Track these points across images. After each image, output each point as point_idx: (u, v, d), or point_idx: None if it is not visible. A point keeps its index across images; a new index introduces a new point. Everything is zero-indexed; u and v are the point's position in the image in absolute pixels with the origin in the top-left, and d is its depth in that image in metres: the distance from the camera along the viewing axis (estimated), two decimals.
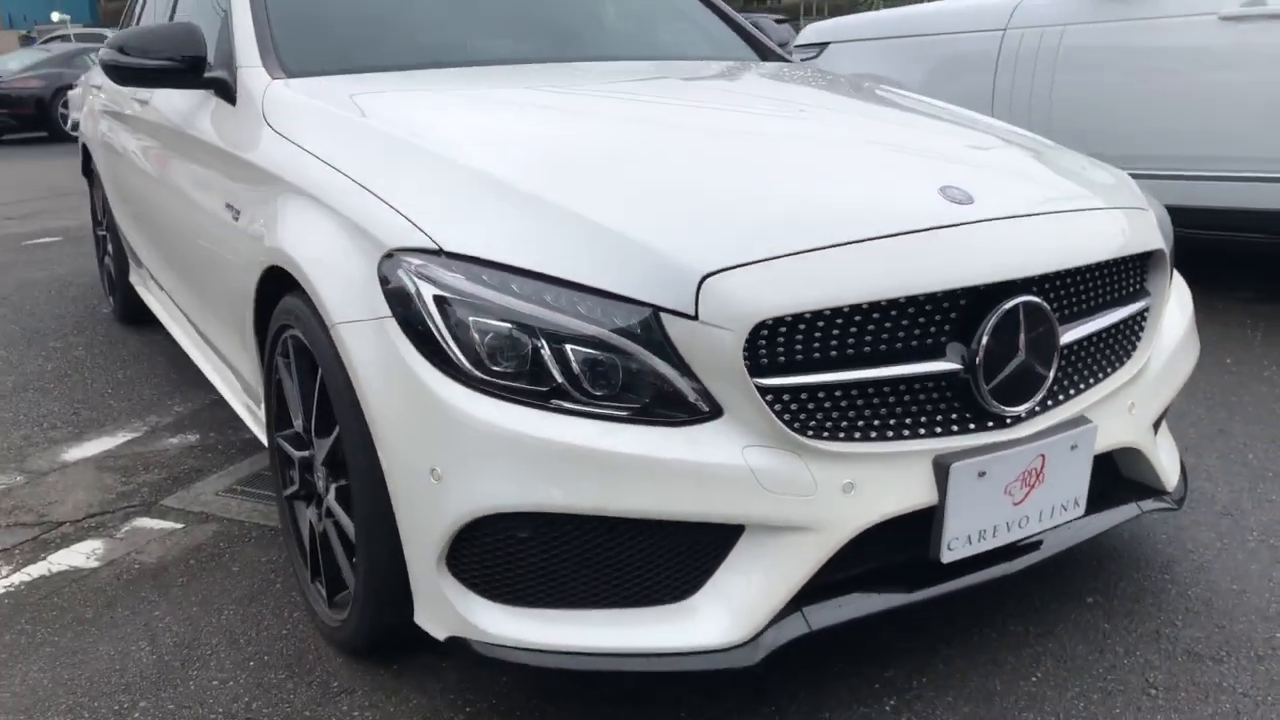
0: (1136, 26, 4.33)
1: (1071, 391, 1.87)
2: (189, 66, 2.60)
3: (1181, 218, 4.31)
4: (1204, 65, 4.14)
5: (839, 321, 1.62)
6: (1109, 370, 1.94)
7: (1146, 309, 2.02)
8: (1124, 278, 1.96)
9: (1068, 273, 1.82)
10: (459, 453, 1.59)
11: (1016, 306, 1.71)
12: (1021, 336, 1.72)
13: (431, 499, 1.62)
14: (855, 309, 1.62)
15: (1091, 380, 1.91)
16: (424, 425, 1.62)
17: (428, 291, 1.64)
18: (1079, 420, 1.84)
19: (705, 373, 1.58)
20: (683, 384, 1.59)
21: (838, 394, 1.64)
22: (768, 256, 1.60)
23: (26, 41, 24.06)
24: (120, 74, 2.61)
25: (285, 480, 2.21)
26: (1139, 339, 2.01)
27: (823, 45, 5.34)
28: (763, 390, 1.58)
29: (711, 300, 1.56)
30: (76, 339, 4.48)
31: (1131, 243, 1.93)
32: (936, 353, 1.70)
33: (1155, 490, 2.11)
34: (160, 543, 2.52)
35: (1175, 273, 2.34)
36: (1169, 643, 2.02)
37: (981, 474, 1.71)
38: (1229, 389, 3.44)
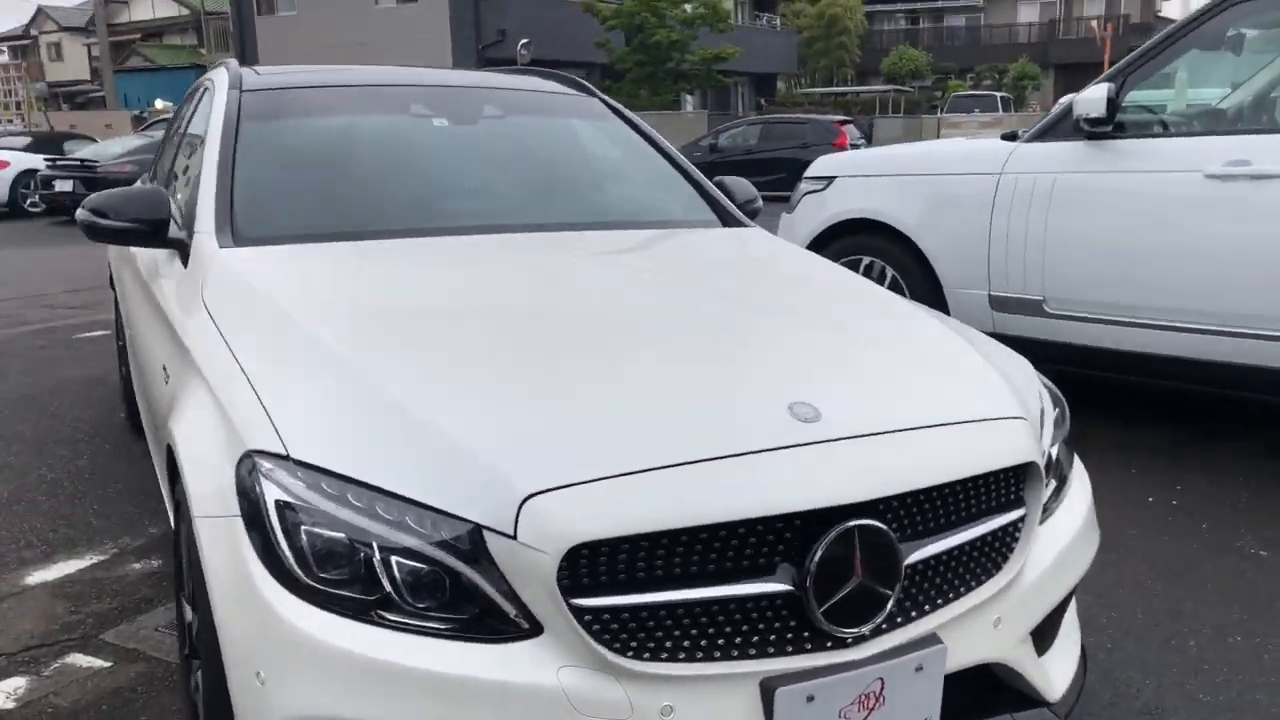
0: (1125, 179, 4.32)
1: (921, 610, 1.86)
2: (152, 229, 2.77)
3: (1173, 368, 4.25)
4: (1190, 220, 4.11)
5: (664, 542, 1.65)
6: (969, 586, 1.93)
7: (1020, 520, 2.01)
8: (989, 491, 1.95)
9: (916, 492, 1.83)
10: (280, 659, 1.65)
11: (851, 530, 1.72)
12: (858, 558, 1.73)
13: (257, 699, 1.68)
14: (682, 531, 1.65)
15: (947, 598, 1.89)
16: (255, 627, 1.68)
17: (271, 495, 1.71)
18: (928, 640, 1.83)
19: (525, 591, 1.62)
20: (503, 601, 1.63)
21: (661, 614, 1.66)
22: (592, 478, 1.64)
23: (139, 123, 25.44)
24: (95, 233, 2.78)
25: (183, 637, 2.29)
26: (1009, 551, 2.00)
27: (830, 179, 5.42)
28: (580, 611, 1.61)
29: (530, 521, 1.60)
30: (85, 446, 4.68)
31: (995, 458, 1.93)
32: (767, 572, 1.72)
33: (1036, 701, 2.07)
34: (81, 684, 2.61)
35: (1073, 461, 2.32)
36: None
37: (810, 698, 1.71)
38: (1195, 560, 3.35)
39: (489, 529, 1.62)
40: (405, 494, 1.66)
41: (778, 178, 14.75)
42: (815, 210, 5.40)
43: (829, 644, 1.76)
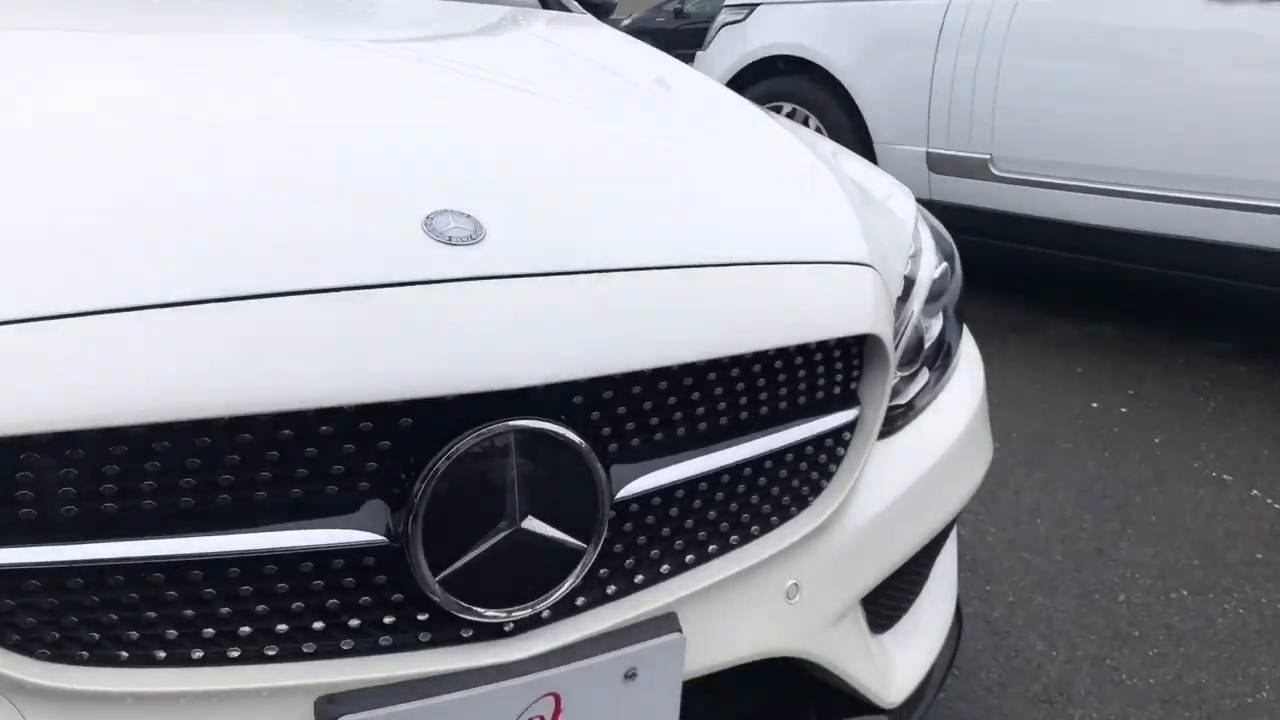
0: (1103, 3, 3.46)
1: (652, 575, 1.10)
2: None
3: (1152, 249, 3.48)
4: (1185, 56, 3.28)
5: (128, 448, 0.86)
6: (747, 533, 1.16)
7: (847, 429, 1.23)
8: (790, 380, 1.18)
9: (640, 377, 1.04)
10: None
11: (504, 438, 0.95)
12: (515, 489, 0.96)
13: None
14: (164, 429, 0.87)
15: (700, 554, 1.13)
16: None
17: None
18: (655, 626, 1.07)
19: None
20: None
21: (119, 580, 0.89)
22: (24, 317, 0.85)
23: None
24: None
25: None
26: (824, 477, 1.23)
27: (751, 6, 4.51)
28: None
29: None
30: None
31: (799, 324, 1.14)
32: (341, 508, 0.94)
33: (861, 705, 1.33)
34: None
35: (962, 341, 1.55)
36: None
37: None
38: (1139, 485, 2.62)
39: None
40: None
41: None
42: (732, 45, 4.51)
43: (465, 635, 1.00)
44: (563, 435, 0.97)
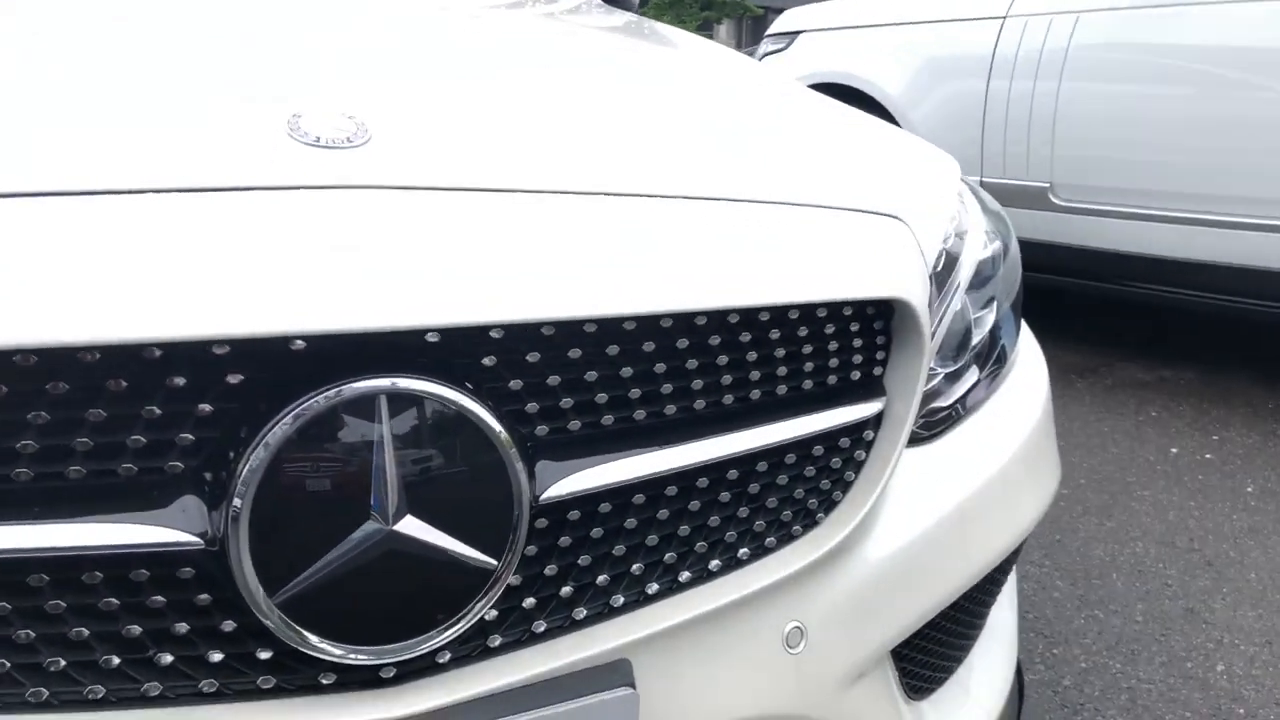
0: (1173, 17, 3.18)
1: (601, 607, 0.81)
2: None
3: (1230, 280, 3.15)
4: (1259, 76, 2.97)
5: None
6: (733, 558, 0.87)
7: (872, 423, 0.94)
8: (791, 353, 0.89)
9: (580, 332, 0.77)
10: None
11: (369, 400, 0.68)
12: (389, 474, 0.68)
13: None
14: None
15: (672, 580, 0.84)
16: None
17: None
18: (599, 676, 0.79)
19: None
20: None
21: None
22: None
23: None
24: None
25: None
26: (840, 488, 0.94)
27: (794, 35, 4.29)
28: None
29: None
30: None
31: (813, 281, 0.86)
32: (147, 499, 0.67)
33: None
34: None
35: (1019, 338, 1.26)
36: None
37: None
38: (1232, 538, 2.26)
39: None
40: None
41: None
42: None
43: (326, 681, 0.72)
44: (462, 405, 0.70)
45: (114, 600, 0.67)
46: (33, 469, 0.64)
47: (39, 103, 0.74)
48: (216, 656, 0.69)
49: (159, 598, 0.68)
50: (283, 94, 0.80)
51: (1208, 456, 2.76)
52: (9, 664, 0.65)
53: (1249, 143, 3.03)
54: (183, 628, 0.69)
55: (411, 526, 0.69)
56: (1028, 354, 1.28)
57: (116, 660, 0.68)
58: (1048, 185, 3.49)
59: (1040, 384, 1.23)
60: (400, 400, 0.68)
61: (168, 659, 0.69)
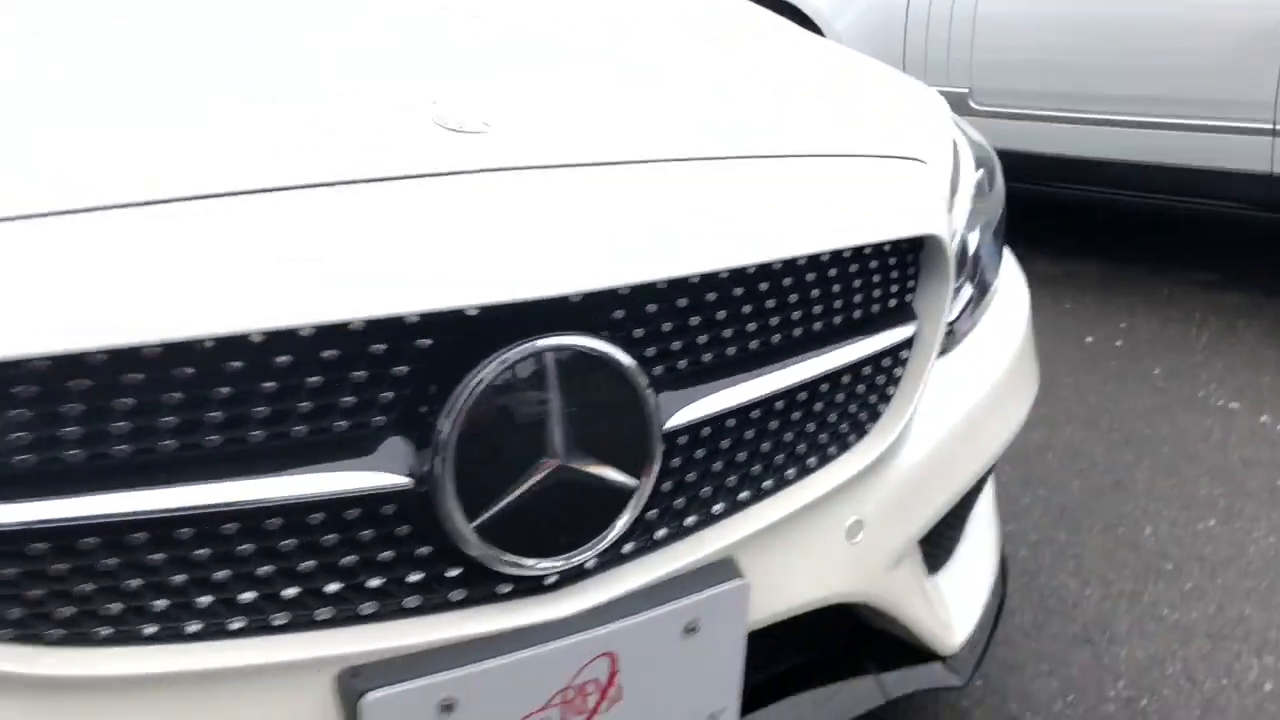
0: None
1: (703, 516, 0.96)
2: None
3: (1135, 177, 3.40)
4: None
5: (84, 387, 0.71)
6: (803, 466, 1.03)
7: (905, 345, 1.11)
8: (845, 288, 1.04)
9: (686, 284, 0.90)
10: None
11: (540, 358, 0.80)
12: (555, 418, 0.82)
13: None
14: (148, 353, 0.71)
15: (754, 490, 1.00)
16: None
17: None
18: (713, 572, 0.94)
19: None
20: None
21: (94, 545, 0.73)
22: None
23: None
24: None
25: None
26: (882, 401, 1.10)
27: None
28: None
29: None
30: None
31: (860, 224, 1.01)
32: (356, 449, 0.79)
33: (920, 654, 1.22)
34: None
35: (1002, 261, 1.43)
36: None
37: (448, 706, 0.81)
38: (1145, 416, 2.54)
39: None
40: None
41: None
42: None
43: (504, 591, 0.86)
44: (608, 354, 0.83)
45: (334, 536, 0.79)
46: (265, 430, 0.76)
47: (238, 104, 0.83)
48: (416, 577, 0.83)
49: (368, 532, 0.80)
50: (421, 87, 0.90)
51: (1118, 344, 3.03)
52: (254, 595, 0.78)
53: (1153, 44, 3.25)
54: (388, 555, 0.81)
55: (575, 457, 0.83)
56: (1011, 272, 1.46)
57: (335, 586, 0.80)
58: (967, 90, 3.68)
59: (1022, 301, 1.41)
60: (563, 353, 0.81)
61: (376, 582, 0.82)
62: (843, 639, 1.20)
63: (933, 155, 1.18)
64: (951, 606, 1.26)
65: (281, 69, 0.91)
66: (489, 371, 0.79)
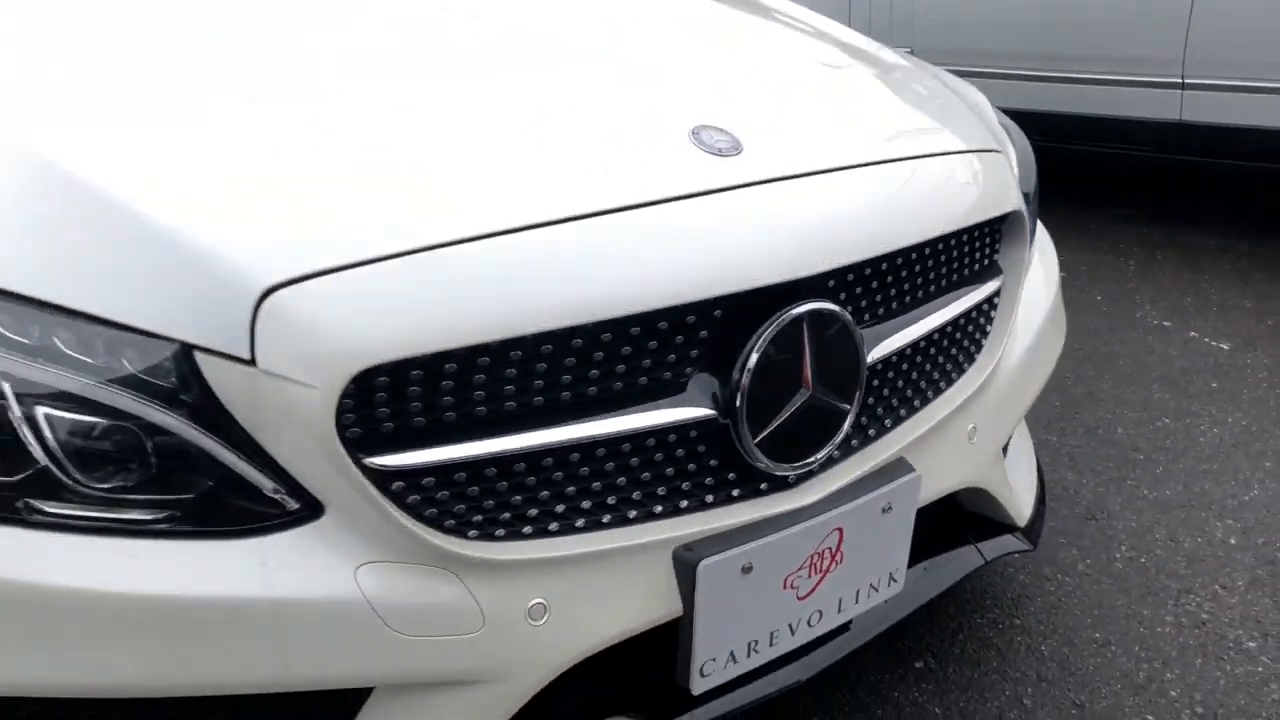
0: None
1: (879, 428, 1.31)
2: None
3: (1056, 126, 3.82)
4: None
5: (511, 357, 1.01)
6: (939, 387, 1.39)
7: (997, 293, 1.46)
8: (964, 253, 1.39)
9: (880, 259, 1.24)
10: None
11: (800, 317, 1.13)
12: (807, 361, 1.15)
13: None
14: (537, 338, 1.01)
15: (912, 406, 1.35)
16: None
17: None
18: (895, 468, 1.29)
19: (281, 449, 0.96)
20: (249, 469, 0.97)
21: (514, 469, 1.04)
22: (384, 255, 0.97)
23: None
24: None
25: None
26: (984, 336, 1.46)
27: None
28: (381, 475, 0.97)
29: (277, 333, 0.92)
30: None
31: (979, 205, 1.35)
32: (672, 391, 1.11)
33: (1002, 526, 1.59)
34: None
35: (1039, 227, 1.79)
36: None
37: (747, 569, 1.15)
38: (1099, 336, 2.98)
39: (206, 350, 0.94)
40: (47, 298, 0.95)
41: None
42: None
43: (764, 487, 1.19)
44: (837, 313, 1.16)
45: (661, 454, 1.11)
46: (622, 382, 1.07)
47: (566, 137, 1.12)
48: (713, 481, 1.15)
49: (682, 450, 1.13)
50: (671, 114, 1.21)
51: (1063, 274, 3.46)
52: (614, 499, 1.09)
53: (1077, 7, 3.66)
54: (695, 466, 1.14)
55: (818, 388, 1.16)
56: (1040, 229, 1.82)
57: (663, 490, 1.12)
58: (910, 51, 4.05)
59: (1051, 252, 1.78)
60: (813, 315, 1.13)
61: (687, 485, 1.14)
62: (949, 518, 1.56)
63: (1002, 143, 1.53)
64: (1018, 487, 1.64)
65: (581, 105, 1.21)
66: (768, 331, 1.11)
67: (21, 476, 0.95)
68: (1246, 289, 3.30)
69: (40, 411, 0.94)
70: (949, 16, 3.93)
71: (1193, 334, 2.98)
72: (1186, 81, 3.58)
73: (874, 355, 1.25)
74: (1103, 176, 4.64)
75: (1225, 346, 2.88)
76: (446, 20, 1.43)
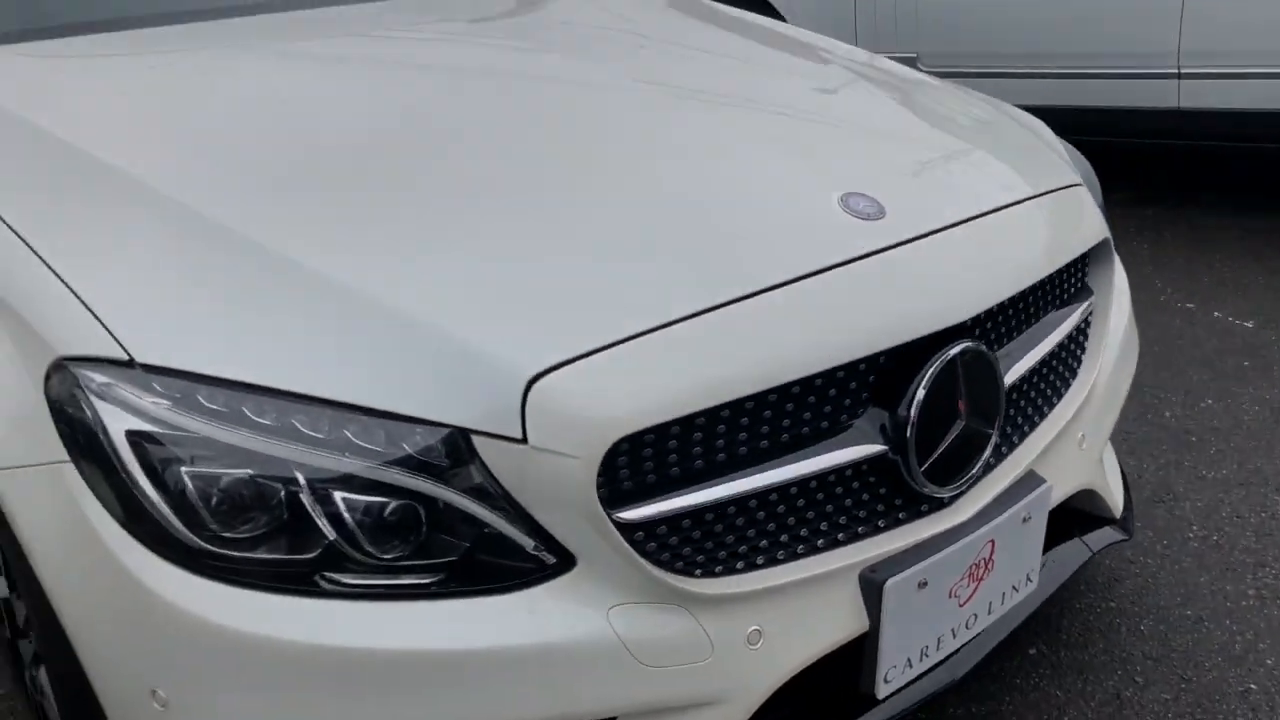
0: None
1: (1010, 445, 1.46)
2: None
3: (1071, 118, 3.99)
4: None
5: (724, 416, 1.15)
6: (1053, 402, 1.54)
7: (1090, 310, 1.61)
8: (1065, 279, 1.54)
9: (1012, 296, 1.39)
10: (185, 669, 1.08)
11: (954, 357, 1.27)
12: (962, 394, 1.29)
13: None
14: (746, 399, 1.15)
15: (1033, 422, 1.50)
16: (130, 626, 1.10)
17: (116, 424, 1.09)
18: (1029, 480, 1.44)
19: (544, 513, 1.10)
20: (514, 531, 1.10)
21: (729, 513, 1.18)
22: (627, 336, 1.11)
23: None
24: None
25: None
26: (1083, 350, 1.61)
27: None
28: (627, 528, 1.11)
29: (545, 412, 1.06)
30: None
31: (1080, 236, 1.51)
32: (850, 433, 1.25)
33: (1101, 519, 1.75)
34: None
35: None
36: (1134, 712, 1.68)
37: (923, 584, 1.29)
38: None
39: (479, 432, 1.07)
40: (335, 397, 1.08)
41: None
42: None
43: (924, 509, 1.33)
44: (982, 350, 1.30)
45: (841, 488, 1.26)
46: (809, 427, 1.21)
47: (725, 222, 1.26)
48: (881, 507, 1.30)
49: (857, 483, 1.27)
50: (816, 184, 1.35)
51: None
52: (807, 532, 1.23)
53: (1076, 6, 3.83)
54: (866, 496, 1.28)
55: (971, 418, 1.31)
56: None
57: (844, 519, 1.27)
58: (915, 56, 4.20)
59: (1119, 266, 1.93)
60: (966, 354, 1.28)
61: (863, 513, 1.28)
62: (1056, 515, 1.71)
63: (1079, 175, 1.68)
64: (1112, 483, 1.79)
65: (756, 186, 1.35)
66: (930, 372, 1.25)
67: (313, 554, 1.08)
68: (1260, 265, 3.48)
69: (332, 494, 1.07)
70: (955, 20, 4.08)
71: (1216, 314, 3.15)
72: (1182, 71, 3.76)
73: (1008, 381, 1.39)
74: (1105, 164, 4.82)
75: (1250, 325, 3.05)
76: (621, 119, 1.57)
